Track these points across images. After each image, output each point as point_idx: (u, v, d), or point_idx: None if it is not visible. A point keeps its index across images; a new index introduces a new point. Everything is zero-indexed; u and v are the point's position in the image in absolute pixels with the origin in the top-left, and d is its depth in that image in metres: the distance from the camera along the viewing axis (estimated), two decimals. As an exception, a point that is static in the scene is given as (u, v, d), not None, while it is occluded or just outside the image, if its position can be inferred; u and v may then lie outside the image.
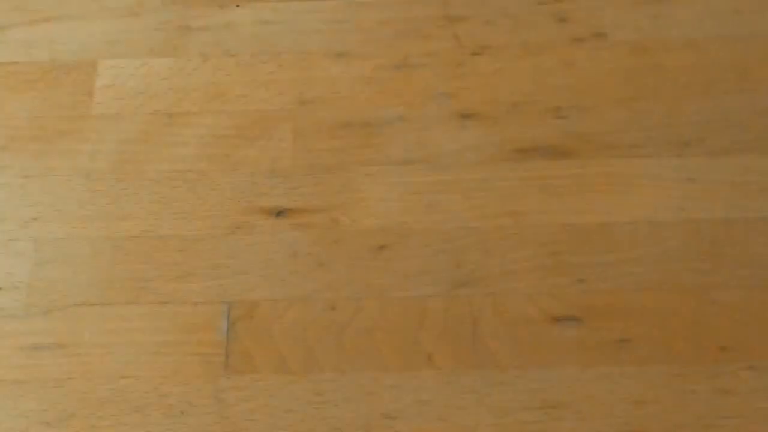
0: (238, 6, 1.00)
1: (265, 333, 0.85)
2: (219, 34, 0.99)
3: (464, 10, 0.99)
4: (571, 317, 0.84)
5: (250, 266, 0.87)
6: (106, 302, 0.86)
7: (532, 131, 0.92)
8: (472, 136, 0.92)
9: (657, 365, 0.82)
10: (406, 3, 0.99)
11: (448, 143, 0.92)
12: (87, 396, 0.83)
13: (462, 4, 0.99)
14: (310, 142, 0.93)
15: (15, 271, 0.88)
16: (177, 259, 0.88)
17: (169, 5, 1.00)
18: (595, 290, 0.85)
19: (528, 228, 0.88)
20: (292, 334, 0.85)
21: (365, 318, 0.85)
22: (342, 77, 0.96)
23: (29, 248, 0.89)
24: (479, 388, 0.82)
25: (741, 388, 0.81)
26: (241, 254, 0.88)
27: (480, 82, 0.95)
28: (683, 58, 0.95)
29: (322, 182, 0.91)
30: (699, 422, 0.80)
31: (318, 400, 0.82)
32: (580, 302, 0.85)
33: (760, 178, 0.89)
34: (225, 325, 0.85)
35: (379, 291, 0.86)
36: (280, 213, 0.90)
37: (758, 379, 0.81)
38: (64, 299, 0.87)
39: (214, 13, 1.00)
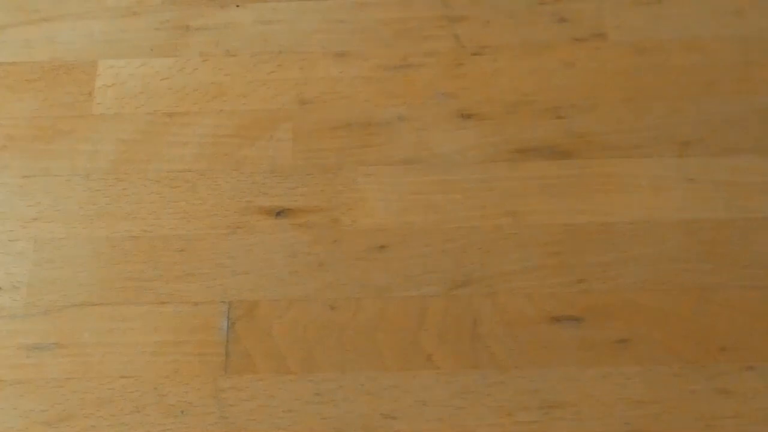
0: (238, 6, 1.00)
1: (265, 333, 0.85)
2: (219, 34, 0.99)
3: (464, 10, 0.99)
4: (571, 317, 0.84)
5: (250, 266, 0.87)
6: (106, 302, 0.86)
7: (532, 131, 0.92)
8: (472, 136, 0.92)
9: (657, 365, 0.82)
10: (406, 3, 0.99)
11: (448, 143, 0.92)
12: (87, 396, 0.83)
13: (462, 4, 0.99)
14: (310, 142, 0.93)
15: (15, 271, 0.88)
16: (177, 259, 0.88)
17: (169, 5, 1.00)
18: (595, 290, 0.85)
19: (528, 228, 0.88)
20: (292, 334, 0.85)
21: (365, 318, 0.85)
22: (342, 77, 0.96)
23: (29, 248, 0.89)
24: (479, 388, 0.82)
25: (741, 388, 0.81)
26: (241, 254, 0.88)
27: (480, 82, 0.95)
28: (683, 58, 0.95)
29: (322, 182, 0.91)
30: (699, 422, 0.80)
31: (318, 400, 0.82)
32: (580, 302, 0.85)
33: (760, 178, 0.89)
34: (225, 325, 0.85)
35: (379, 291, 0.86)
36: (280, 213, 0.90)
37: (758, 379, 0.81)
38: (64, 299, 0.87)
39: (214, 13, 1.00)
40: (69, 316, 0.86)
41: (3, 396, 0.83)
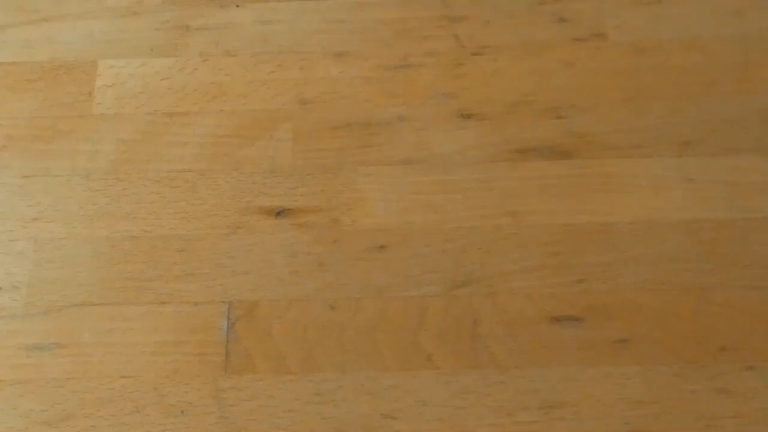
0: (238, 6, 1.00)
1: (265, 333, 0.85)
2: (219, 34, 0.99)
3: (464, 10, 0.99)
4: (571, 317, 0.84)
5: (250, 266, 0.87)
6: (106, 302, 0.86)
7: (532, 131, 0.92)
8: (472, 136, 0.92)
9: (657, 365, 0.82)
10: (406, 3, 0.99)
11: (448, 143, 0.92)
12: (87, 396, 0.83)
13: (462, 4, 0.99)
14: (310, 142, 0.93)
15: (15, 271, 0.88)
16: (177, 259, 0.88)
17: (169, 5, 1.00)
18: (595, 290, 0.85)
19: (528, 228, 0.88)
20: (292, 334, 0.85)
21: (365, 318, 0.85)
22: (342, 77, 0.96)
23: (29, 248, 0.89)
24: (479, 388, 0.82)
25: (741, 388, 0.81)
26: (241, 254, 0.88)
27: (480, 82, 0.95)
28: (683, 58, 0.95)
29: (322, 182, 0.91)
30: (699, 422, 0.80)
31: (318, 400, 0.82)
32: (580, 302, 0.85)
33: (760, 178, 0.89)
34: (225, 325, 0.85)
35: (379, 291, 0.86)
36: (280, 213, 0.90)
37: (758, 379, 0.81)
38: (64, 299, 0.87)
39: (214, 13, 1.00)
40: (69, 316, 0.86)
41: (3, 396, 0.83)
